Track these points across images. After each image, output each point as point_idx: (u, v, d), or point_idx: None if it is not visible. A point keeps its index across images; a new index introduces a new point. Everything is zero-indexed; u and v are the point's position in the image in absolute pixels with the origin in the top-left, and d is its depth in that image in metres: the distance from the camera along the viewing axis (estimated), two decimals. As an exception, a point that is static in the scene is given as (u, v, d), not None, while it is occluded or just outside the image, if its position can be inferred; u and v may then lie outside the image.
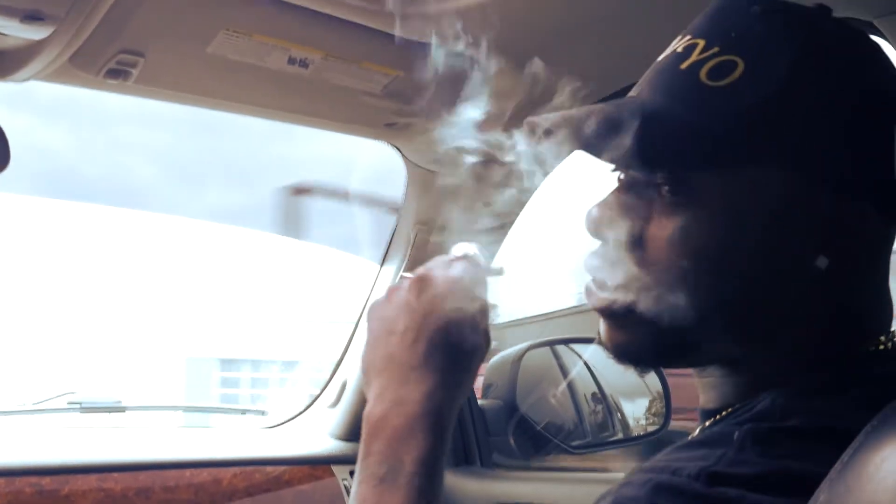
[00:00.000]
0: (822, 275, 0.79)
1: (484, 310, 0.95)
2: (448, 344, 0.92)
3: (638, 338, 0.85)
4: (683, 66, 0.81)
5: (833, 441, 0.68)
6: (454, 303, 0.92)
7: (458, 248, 0.99)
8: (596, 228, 0.85)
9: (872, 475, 0.63)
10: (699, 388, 0.89)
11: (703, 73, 0.79)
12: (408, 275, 0.96)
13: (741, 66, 0.78)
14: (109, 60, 1.33)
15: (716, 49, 0.80)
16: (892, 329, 0.84)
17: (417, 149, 1.82)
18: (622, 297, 0.83)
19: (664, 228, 0.80)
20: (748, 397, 0.82)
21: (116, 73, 1.37)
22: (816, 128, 0.76)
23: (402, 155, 1.86)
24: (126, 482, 1.71)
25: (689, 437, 0.83)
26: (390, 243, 2.06)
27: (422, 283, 0.94)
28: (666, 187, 0.80)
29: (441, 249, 1.89)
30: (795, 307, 0.81)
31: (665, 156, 0.80)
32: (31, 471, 1.63)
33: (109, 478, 1.70)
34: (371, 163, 1.96)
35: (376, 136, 1.80)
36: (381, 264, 2.09)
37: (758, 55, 0.78)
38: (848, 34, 0.82)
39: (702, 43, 0.81)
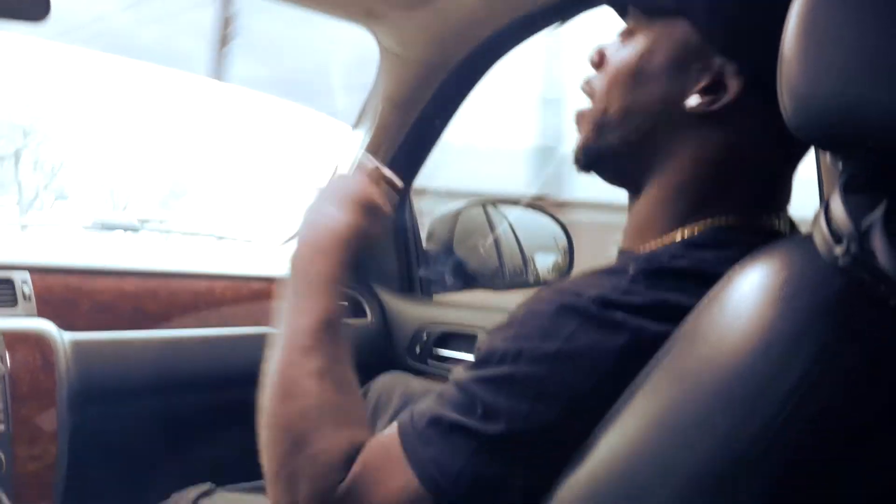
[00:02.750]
0: (722, 142, 0.80)
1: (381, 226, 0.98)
2: (357, 205, 0.95)
3: (597, 142, 0.88)
4: None
5: (707, 282, 0.68)
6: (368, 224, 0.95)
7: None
8: (591, 60, 0.90)
9: (731, 307, 0.64)
10: (624, 233, 0.90)
11: None
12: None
13: None
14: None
15: None
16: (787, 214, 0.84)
17: (390, 34, 1.76)
18: (591, 111, 0.89)
19: (614, 57, 0.87)
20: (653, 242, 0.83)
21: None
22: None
23: (377, 40, 1.80)
24: (138, 284, 1.69)
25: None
26: (362, 112, 2.02)
27: (356, 199, 0.96)
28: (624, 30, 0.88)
29: (399, 121, 1.90)
30: (701, 169, 0.82)
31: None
32: (61, 270, 1.61)
33: (125, 281, 1.68)
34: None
35: (357, 21, 1.74)
36: (354, 127, 2.05)
37: None
38: None
39: None
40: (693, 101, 0.80)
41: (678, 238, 0.80)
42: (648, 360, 0.67)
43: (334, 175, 1.00)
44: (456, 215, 2.18)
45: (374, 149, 2.00)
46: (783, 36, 0.63)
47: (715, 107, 0.79)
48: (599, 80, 0.88)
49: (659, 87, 0.83)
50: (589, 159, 0.90)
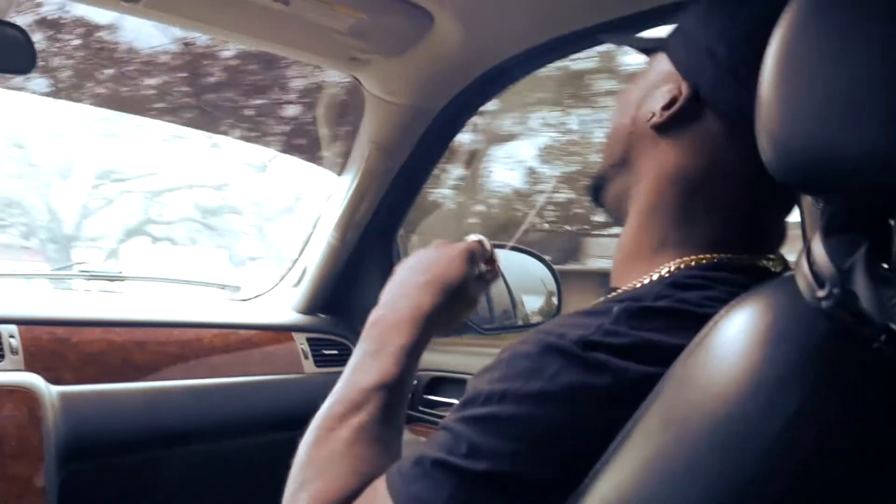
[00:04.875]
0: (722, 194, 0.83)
1: (483, 290, 1.04)
2: (444, 278, 0.97)
3: (598, 171, 0.96)
4: None
5: (690, 322, 0.69)
6: (460, 256, 0.99)
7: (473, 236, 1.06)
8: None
9: (718, 351, 0.64)
10: (612, 269, 0.93)
11: None
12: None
13: None
14: (124, -14, 1.29)
15: None
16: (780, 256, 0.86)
17: (375, 80, 1.79)
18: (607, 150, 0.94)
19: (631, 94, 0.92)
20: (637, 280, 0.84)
21: (129, -3, 1.32)
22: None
23: (362, 85, 1.83)
24: (126, 335, 1.69)
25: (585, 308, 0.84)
26: (349, 157, 2.04)
27: (447, 244, 1.02)
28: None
29: (386, 166, 1.92)
30: (669, 191, 0.86)
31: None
32: (48, 321, 1.61)
33: (112, 331, 1.68)
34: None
35: (342, 69, 1.76)
36: (340, 174, 2.07)
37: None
38: None
39: None
40: (651, 114, 0.87)
41: (662, 275, 0.82)
42: (635, 402, 0.68)
43: (432, 247, 1.04)
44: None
45: (362, 193, 2.01)
46: (760, 78, 0.65)
47: (667, 113, 0.85)
48: None
49: (635, 109, 0.90)
50: (594, 186, 0.97)
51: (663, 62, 0.89)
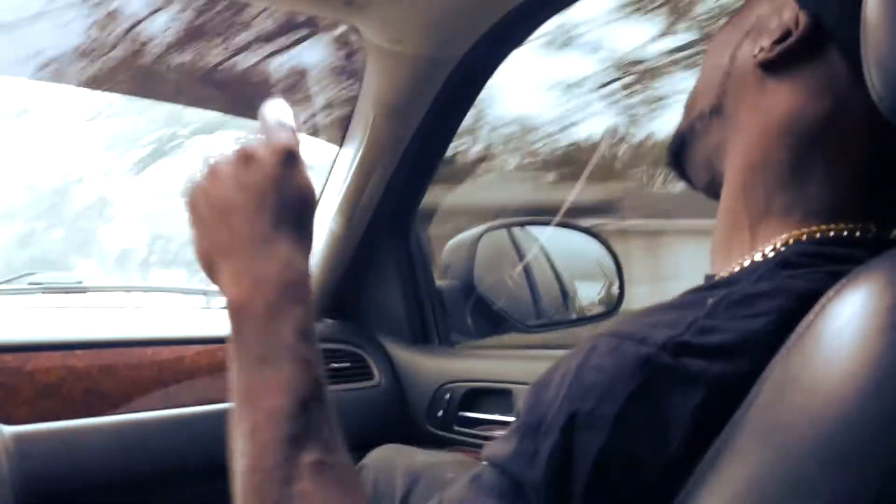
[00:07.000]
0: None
1: (304, 164, 0.89)
2: (288, 209, 0.86)
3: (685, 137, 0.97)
4: None
5: (803, 304, 0.68)
6: (282, 167, 0.86)
7: (269, 111, 0.91)
8: None
9: (828, 341, 0.63)
10: (711, 254, 0.93)
11: None
12: (215, 155, 0.89)
13: None
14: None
15: None
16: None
17: (377, 27, 1.77)
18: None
19: None
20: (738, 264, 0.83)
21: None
22: None
23: (361, 33, 1.81)
24: (89, 359, 1.69)
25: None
26: (349, 124, 2.03)
27: (245, 157, 0.87)
28: None
29: (397, 131, 1.90)
30: (773, 144, 0.85)
31: None
32: (-6, 348, 1.61)
33: (72, 355, 1.68)
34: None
35: (335, 13, 1.75)
36: (341, 146, 2.05)
37: None
38: None
39: None
40: (759, 49, 0.85)
41: (766, 253, 0.81)
42: (731, 412, 0.66)
43: (228, 163, 0.88)
44: (475, 242, 2.18)
45: (369, 167, 2.00)
46: None
47: (777, 50, 0.84)
48: None
49: (734, 48, 0.90)
50: (676, 145, 0.98)
51: None
